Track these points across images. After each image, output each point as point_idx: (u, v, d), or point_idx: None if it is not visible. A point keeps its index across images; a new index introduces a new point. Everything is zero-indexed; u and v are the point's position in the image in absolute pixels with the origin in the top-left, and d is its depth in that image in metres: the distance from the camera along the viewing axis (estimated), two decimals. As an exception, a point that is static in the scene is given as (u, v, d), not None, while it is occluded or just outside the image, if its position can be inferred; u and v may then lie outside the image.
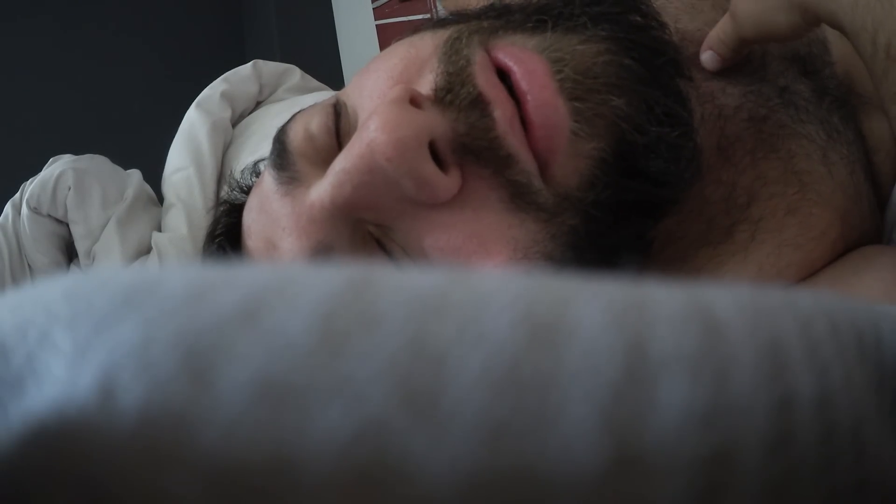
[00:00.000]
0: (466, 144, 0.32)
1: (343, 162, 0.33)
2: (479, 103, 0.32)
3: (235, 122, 0.73)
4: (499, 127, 0.32)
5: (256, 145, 0.67)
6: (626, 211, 0.34)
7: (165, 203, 0.68)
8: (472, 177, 0.33)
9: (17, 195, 0.64)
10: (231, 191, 0.49)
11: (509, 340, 0.15)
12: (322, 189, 0.34)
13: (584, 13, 0.35)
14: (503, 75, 0.33)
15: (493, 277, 0.17)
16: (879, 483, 0.17)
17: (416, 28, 0.40)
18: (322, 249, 0.35)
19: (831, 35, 0.44)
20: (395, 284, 0.16)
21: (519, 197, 0.33)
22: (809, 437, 0.16)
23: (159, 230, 0.66)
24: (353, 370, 0.14)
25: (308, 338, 0.15)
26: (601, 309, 0.16)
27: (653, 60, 0.35)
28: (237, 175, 0.50)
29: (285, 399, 0.14)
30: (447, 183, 0.32)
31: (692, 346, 0.16)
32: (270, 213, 0.38)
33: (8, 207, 0.64)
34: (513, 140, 0.32)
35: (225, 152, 0.70)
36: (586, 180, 0.33)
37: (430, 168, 0.32)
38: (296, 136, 0.38)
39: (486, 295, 0.16)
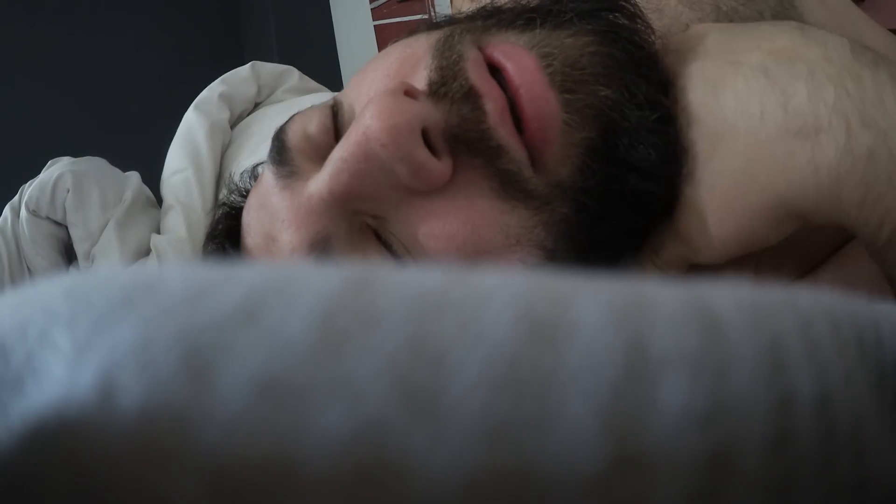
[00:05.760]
0: (458, 135, 0.33)
1: (340, 151, 0.34)
2: (471, 96, 0.33)
3: (234, 124, 0.73)
4: (490, 119, 0.33)
5: (255, 147, 0.67)
6: (616, 202, 0.35)
7: (164, 205, 0.67)
8: (464, 166, 0.34)
9: (16, 198, 0.64)
10: (230, 194, 0.49)
11: (509, 339, 0.15)
12: (320, 180, 0.35)
13: (570, 10, 0.36)
14: (494, 71, 0.34)
15: (492, 276, 0.17)
16: (879, 482, 0.17)
17: (411, 30, 0.42)
18: (320, 241, 0.36)
19: (811, 18, 0.44)
20: (394, 283, 0.16)
21: (510, 185, 0.34)
22: (809, 437, 0.16)
23: (158, 232, 0.66)
24: (352, 369, 0.14)
25: (307, 336, 0.15)
26: (601, 308, 0.16)
27: (635, 52, 0.36)
28: (236, 178, 0.50)
29: (285, 398, 0.14)
30: (440, 168, 0.33)
31: (692, 346, 0.16)
32: (269, 208, 0.38)
33: (7, 210, 0.64)
34: (503, 131, 0.33)
35: (223, 154, 0.70)
36: (577, 168, 0.34)
37: (423, 153, 0.32)
38: (294, 135, 0.38)
39: (486, 293, 0.16)
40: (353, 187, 0.34)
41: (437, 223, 0.35)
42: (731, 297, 0.17)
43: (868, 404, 0.17)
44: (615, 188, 0.34)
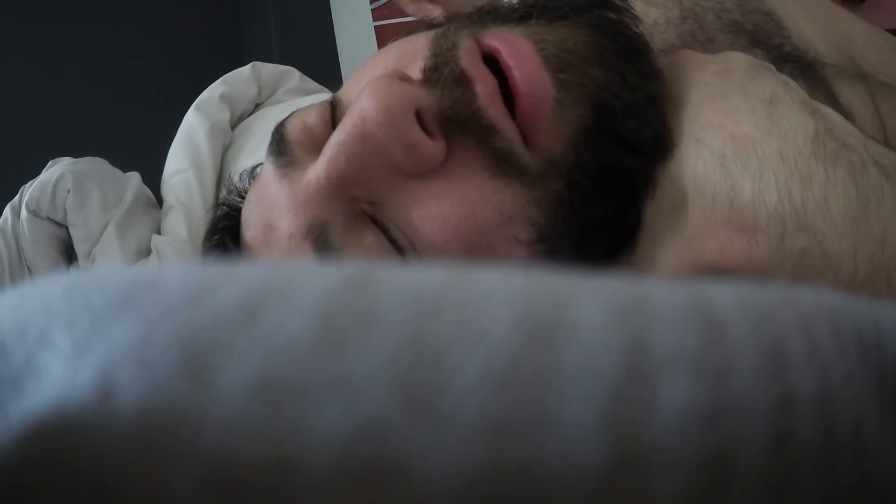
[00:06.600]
0: (451, 117, 0.35)
1: (338, 135, 0.35)
2: (462, 80, 0.35)
3: (234, 125, 0.73)
4: (480, 100, 0.34)
5: (256, 147, 0.67)
6: (606, 180, 0.36)
7: (165, 206, 0.67)
8: (458, 147, 0.35)
9: (17, 198, 0.64)
10: (228, 194, 0.49)
11: (509, 339, 0.15)
12: (318, 166, 0.36)
13: (565, 4, 0.38)
14: (489, 61, 0.36)
15: (492, 275, 0.17)
16: (879, 482, 0.17)
17: (410, 30, 0.43)
18: (317, 226, 0.36)
19: (783, 12, 0.46)
20: (394, 282, 0.16)
21: (503, 162, 0.35)
22: (810, 436, 0.16)
23: (159, 233, 0.66)
24: (352, 368, 0.14)
25: (307, 336, 0.15)
26: (601, 307, 0.16)
27: (625, 43, 0.38)
28: (235, 179, 0.50)
29: (284, 397, 0.14)
30: (434, 148, 0.34)
31: (693, 345, 0.16)
32: (268, 198, 0.39)
33: (7, 210, 0.64)
34: (493, 112, 0.34)
35: (224, 154, 0.70)
36: (569, 144, 0.36)
37: (417, 132, 0.34)
38: (294, 128, 0.39)
39: (486, 293, 0.16)
40: (350, 170, 0.35)
41: (431, 204, 0.35)
42: (731, 296, 0.17)
43: (868, 404, 0.17)
44: (607, 164, 0.36)
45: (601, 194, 0.36)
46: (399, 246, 0.36)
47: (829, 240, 0.32)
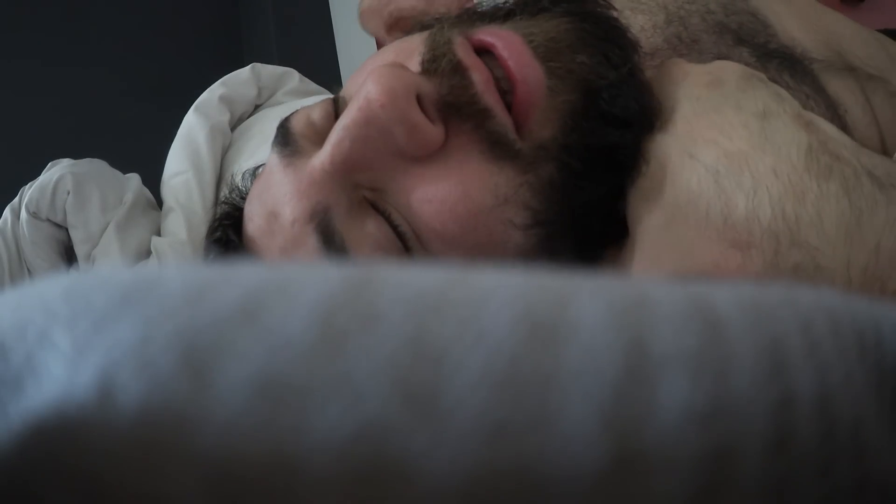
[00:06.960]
0: (449, 102, 0.37)
1: (343, 120, 0.37)
2: (459, 69, 0.37)
3: (234, 126, 0.73)
4: (477, 86, 0.36)
5: (256, 148, 0.67)
6: (595, 158, 0.38)
7: (165, 207, 0.67)
8: (456, 132, 0.37)
9: (16, 200, 0.64)
10: (231, 193, 0.49)
11: (509, 339, 0.15)
12: (323, 152, 0.37)
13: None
14: (481, 54, 0.38)
15: (492, 275, 0.17)
16: (879, 482, 0.17)
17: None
18: (320, 211, 0.38)
19: (768, 11, 0.47)
20: (394, 283, 0.16)
21: (498, 146, 0.37)
22: (809, 436, 0.16)
23: (158, 234, 0.66)
24: (352, 369, 0.14)
25: (307, 336, 0.15)
26: (601, 307, 0.16)
27: (603, 23, 0.41)
28: (237, 179, 0.51)
29: (284, 397, 0.14)
30: (434, 131, 0.36)
31: (693, 345, 0.16)
32: (273, 187, 0.40)
33: (7, 212, 0.64)
34: (489, 98, 0.36)
35: (224, 156, 0.70)
36: (558, 129, 0.38)
37: (419, 114, 0.35)
38: (298, 122, 0.41)
39: (486, 293, 0.16)
40: (354, 153, 0.36)
41: (430, 187, 0.37)
42: (731, 295, 0.17)
43: (868, 404, 0.17)
44: (595, 143, 0.38)
45: (592, 173, 0.38)
46: (400, 232, 0.38)
47: (823, 254, 0.33)
